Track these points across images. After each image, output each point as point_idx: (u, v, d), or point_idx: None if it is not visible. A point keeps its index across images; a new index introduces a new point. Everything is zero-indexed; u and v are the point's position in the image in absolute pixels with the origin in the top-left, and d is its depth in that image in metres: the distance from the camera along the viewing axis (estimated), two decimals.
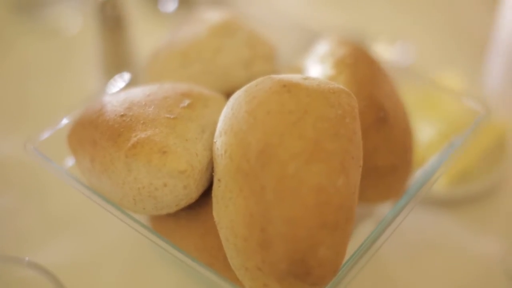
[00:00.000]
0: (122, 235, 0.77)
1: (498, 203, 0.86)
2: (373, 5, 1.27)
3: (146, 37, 1.06)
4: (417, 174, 0.74)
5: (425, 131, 0.86)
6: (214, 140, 0.60)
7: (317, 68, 0.71)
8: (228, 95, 0.65)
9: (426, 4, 1.29)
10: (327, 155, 0.53)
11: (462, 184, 0.84)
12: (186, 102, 0.64)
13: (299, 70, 0.74)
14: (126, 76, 0.82)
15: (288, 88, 0.56)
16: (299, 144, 0.53)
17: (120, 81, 0.81)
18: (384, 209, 0.75)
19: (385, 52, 1.07)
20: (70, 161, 0.71)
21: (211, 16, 0.78)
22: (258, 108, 0.56)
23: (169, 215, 0.65)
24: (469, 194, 0.84)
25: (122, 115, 0.62)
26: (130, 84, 0.80)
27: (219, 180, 0.58)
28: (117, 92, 0.75)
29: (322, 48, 0.74)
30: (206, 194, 0.63)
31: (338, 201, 0.52)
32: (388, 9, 1.27)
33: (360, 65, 0.69)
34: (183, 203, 0.61)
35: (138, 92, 0.66)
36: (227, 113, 0.59)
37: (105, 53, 0.98)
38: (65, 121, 0.74)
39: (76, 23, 1.20)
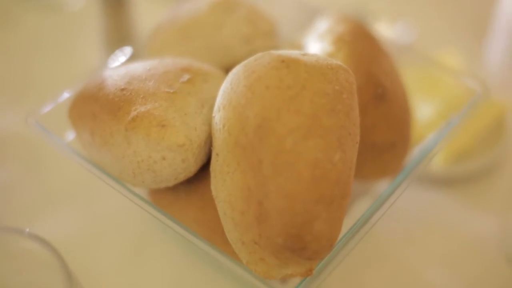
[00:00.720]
0: (121, 209, 0.78)
1: (496, 182, 0.87)
2: None
3: (148, 12, 1.06)
4: (414, 152, 0.75)
5: (424, 110, 0.86)
6: (213, 115, 0.60)
7: (316, 45, 0.71)
8: (228, 70, 0.65)
9: None
10: (324, 130, 0.53)
11: (460, 163, 0.85)
12: (186, 77, 0.64)
13: (299, 46, 0.74)
14: (128, 50, 0.82)
15: (287, 63, 0.57)
16: (296, 119, 0.53)
17: (121, 55, 0.81)
18: (382, 186, 0.76)
19: (386, 30, 1.07)
20: (71, 135, 0.72)
21: None
22: (257, 82, 0.56)
23: (168, 189, 0.66)
24: (467, 172, 0.85)
25: (122, 89, 0.63)
26: (131, 59, 0.81)
27: (217, 154, 0.58)
28: (118, 66, 0.76)
29: (322, 25, 0.74)
30: (205, 168, 0.63)
31: (335, 176, 0.53)
32: None
33: (359, 42, 0.69)
34: (182, 176, 0.61)
35: (139, 67, 0.66)
36: (226, 88, 0.59)
37: (107, 29, 0.98)
38: (66, 95, 0.74)
39: None
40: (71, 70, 1.02)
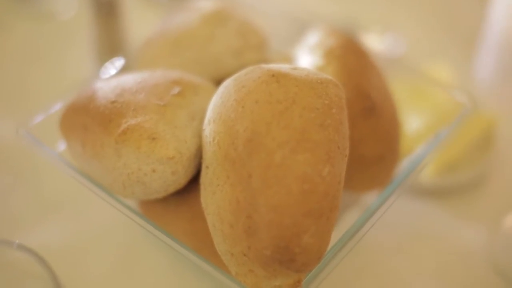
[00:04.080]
0: (112, 219, 0.78)
1: (484, 194, 0.87)
2: None
3: (140, 23, 1.06)
4: (403, 164, 0.75)
5: (413, 122, 0.87)
6: (203, 128, 0.61)
7: (306, 58, 0.72)
8: (218, 83, 0.65)
9: None
10: (313, 144, 0.53)
11: (449, 175, 0.85)
12: (177, 89, 0.64)
13: (289, 59, 0.75)
14: (119, 62, 0.82)
15: (277, 78, 0.57)
16: (285, 134, 0.53)
17: (113, 66, 0.82)
18: (371, 197, 0.76)
19: (376, 42, 1.07)
20: (62, 145, 0.72)
21: (204, 5, 0.78)
22: (247, 97, 0.56)
23: (158, 200, 0.66)
24: (456, 184, 0.85)
25: (113, 102, 0.63)
26: (123, 70, 0.81)
27: (207, 167, 0.59)
28: (109, 78, 0.76)
29: (312, 38, 0.75)
30: (195, 180, 0.64)
31: (323, 190, 0.53)
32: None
33: (349, 56, 0.70)
34: (172, 188, 0.62)
35: (130, 79, 0.67)
36: (216, 101, 0.60)
37: (99, 39, 0.99)
38: (57, 105, 0.74)
39: (71, 7, 1.20)
40: (62, 79, 1.02)
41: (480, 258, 0.78)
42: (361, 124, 0.67)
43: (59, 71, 1.06)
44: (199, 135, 0.63)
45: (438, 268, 0.78)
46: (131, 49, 0.90)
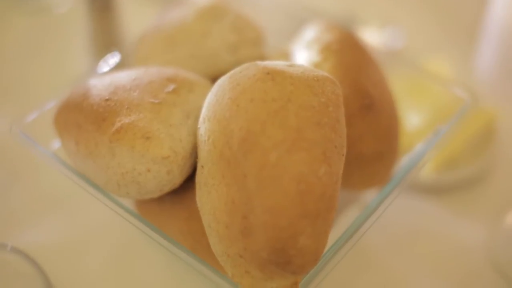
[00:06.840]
0: (107, 219, 0.77)
1: (485, 191, 0.86)
2: None
3: (136, 18, 1.06)
4: (403, 161, 0.74)
5: (413, 118, 0.86)
6: (198, 126, 0.60)
7: (303, 53, 0.71)
8: (214, 80, 0.64)
9: None
10: (309, 144, 0.53)
11: (449, 171, 0.84)
12: (171, 87, 0.63)
13: (286, 55, 0.74)
14: (114, 58, 0.81)
15: (272, 75, 0.56)
16: (281, 133, 0.52)
17: (109, 62, 0.81)
18: (370, 195, 0.75)
19: (375, 36, 1.07)
20: (57, 143, 0.71)
21: (199, 0, 0.78)
22: (242, 95, 0.55)
23: (154, 199, 0.65)
24: (456, 181, 0.85)
25: (107, 99, 0.62)
26: (119, 65, 0.80)
27: (202, 166, 0.58)
28: (103, 75, 0.75)
29: (309, 33, 0.74)
30: (191, 179, 0.63)
31: (320, 190, 0.52)
32: None
33: (346, 51, 0.69)
34: (167, 188, 0.61)
35: (124, 76, 0.66)
36: (211, 100, 0.59)
37: (94, 33, 0.98)
38: (52, 103, 0.73)
39: (66, 0, 1.19)
40: (58, 74, 1.01)
41: (479, 256, 0.78)
42: (359, 121, 0.66)
43: (55, 65, 1.05)
44: (194, 134, 0.62)
45: (437, 265, 0.77)
46: (127, 44, 0.89)
